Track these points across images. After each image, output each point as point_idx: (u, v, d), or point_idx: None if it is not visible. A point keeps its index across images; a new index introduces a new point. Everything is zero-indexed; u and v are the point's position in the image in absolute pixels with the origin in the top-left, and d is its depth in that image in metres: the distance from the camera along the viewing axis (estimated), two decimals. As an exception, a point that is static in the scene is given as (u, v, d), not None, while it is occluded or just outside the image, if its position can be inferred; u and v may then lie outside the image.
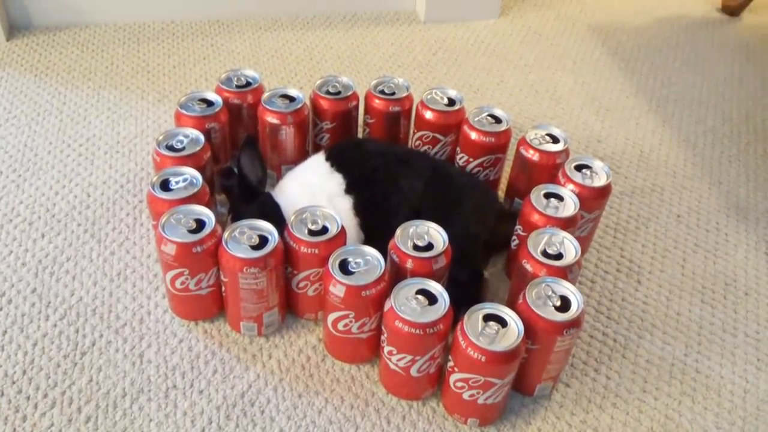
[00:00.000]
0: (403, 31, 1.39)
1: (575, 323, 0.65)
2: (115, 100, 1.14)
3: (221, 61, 1.25)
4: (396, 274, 0.72)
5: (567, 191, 0.79)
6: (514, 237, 0.83)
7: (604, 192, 0.82)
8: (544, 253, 0.72)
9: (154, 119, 1.10)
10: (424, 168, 0.86)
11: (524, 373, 0.69)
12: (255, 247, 0.70)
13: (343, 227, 0.74)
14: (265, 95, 0.92)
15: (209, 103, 0.91)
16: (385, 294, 0.68)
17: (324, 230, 0.73)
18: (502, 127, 0.89)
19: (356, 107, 0.96)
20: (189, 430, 0.68)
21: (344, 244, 0.73)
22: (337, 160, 0.85)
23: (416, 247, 0.71)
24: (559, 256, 0.72)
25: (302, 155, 0.94)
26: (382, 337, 0.68)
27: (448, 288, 0.68)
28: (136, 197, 0.95)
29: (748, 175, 1.07)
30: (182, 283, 0.73)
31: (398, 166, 0.85)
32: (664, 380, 0.76)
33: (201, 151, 0.84)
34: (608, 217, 0.97)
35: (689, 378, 0.77)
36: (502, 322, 0.64)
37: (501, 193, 0.97)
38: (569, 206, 0.78)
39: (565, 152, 0.87)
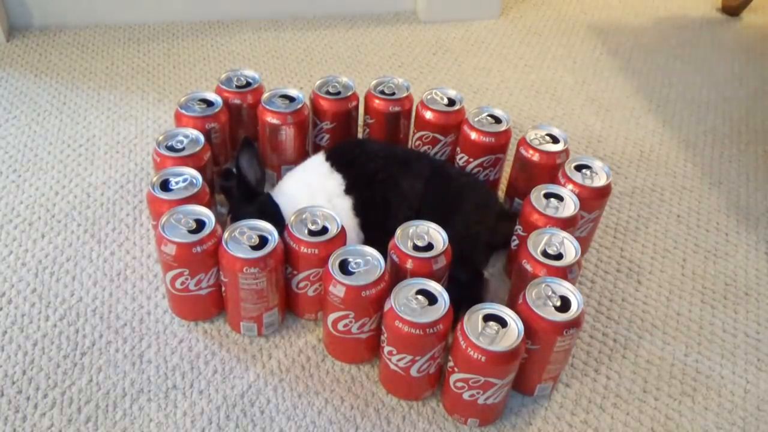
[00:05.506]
0: (403, 31, 1.39)
1: (575, 323, 0.65)
2: (115, 100, 1.14)
3: (221, 61, 1.25)
4: (396, 274, 0.72)
5: (567, 191, 0.79)
6: (514, 237, 0.83)
7: (604, 192, 0.82)
8: (544, 253, 0.72)
9: (154, 119, 1.10)
10: (424, 168, 0.86)
11: (524, 373, 0.69)
12: (255, 248, 0.70)
13: (343, 227, 0.74)
14: (265, 95, 0.92)
15: (209, 104, 0.91)
16: (385, 294, 0.68)
17: (324, 230, 0.73)
18: (502, 127, 0.89)
19: (356, 107, 0.96)
20: (189, 430, 0.68)
21: (344, 244, 0.73)
22: (337, 161, 0.85)
23: (416, 247, 0.71)
24: (559, 256, 0.72)
25: (302, 155, 0.94)
26: (382, 337, 0.68)
27: (448, 288, 0.68)
28: (136, 197, 0.95)
29: (748, 175, 1.07)
30: (182, 284, 0.73)
31: (398, 166, 0.85)
32: (664, 380, 0.76)
33: (201, 152, 0.84)
34: (608, 217, 0.97)
35: (689, 378, 0.77)
36: (502, 322, 0.64)
37: (501, 193, 0.97)
38: (569, 206, 0.78)
39: (565, 152, 0.87)
